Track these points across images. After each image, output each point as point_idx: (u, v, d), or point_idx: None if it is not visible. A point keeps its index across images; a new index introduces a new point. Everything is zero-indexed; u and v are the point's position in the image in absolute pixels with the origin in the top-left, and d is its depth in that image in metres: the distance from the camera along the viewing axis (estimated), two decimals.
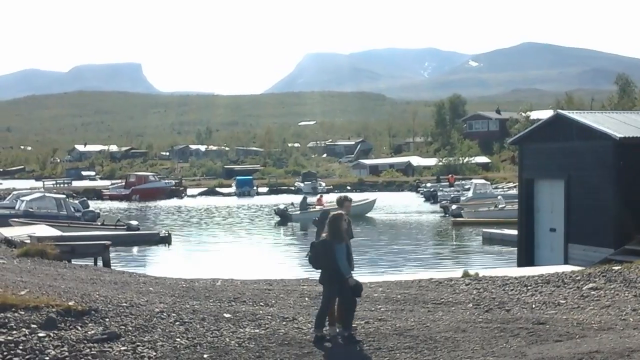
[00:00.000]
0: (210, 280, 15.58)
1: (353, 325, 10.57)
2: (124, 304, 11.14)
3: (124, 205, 74.29)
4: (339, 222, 10.43)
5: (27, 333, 9.36)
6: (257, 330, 10.43)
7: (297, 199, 56.90)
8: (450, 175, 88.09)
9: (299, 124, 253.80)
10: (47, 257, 18.75)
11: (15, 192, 53.46)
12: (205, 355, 9.26)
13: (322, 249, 10.46)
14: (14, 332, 9.35)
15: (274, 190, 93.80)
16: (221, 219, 55.61)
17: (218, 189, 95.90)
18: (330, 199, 62.26)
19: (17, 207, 41.30)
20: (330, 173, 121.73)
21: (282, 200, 68.36)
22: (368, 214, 55.31)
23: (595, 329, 10.83)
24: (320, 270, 10.68)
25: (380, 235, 43.01)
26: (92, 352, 9.04)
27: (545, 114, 71.58)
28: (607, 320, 11.41)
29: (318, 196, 58.70)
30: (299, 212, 51.57)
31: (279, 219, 52.19)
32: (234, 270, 21.49)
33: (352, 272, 10.52)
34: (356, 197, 64.80)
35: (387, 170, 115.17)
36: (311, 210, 52.17)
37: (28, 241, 22.59)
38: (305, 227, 48.02)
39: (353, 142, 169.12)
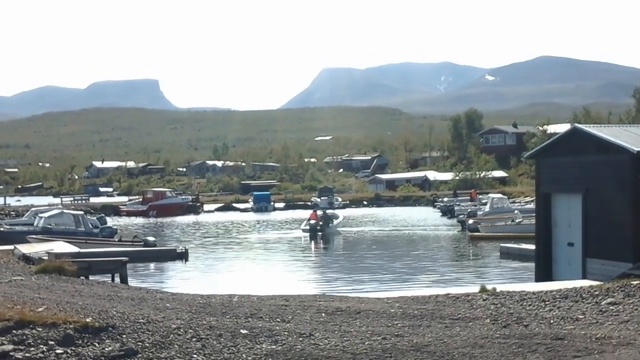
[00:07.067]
0: (227, 296, 15.59)
1: (368, 341, 10.50)
2: (141, 320, 11.16)
3: (141, 221, 74.60)
4: None
5: (45, 350, 9.41)
6: (274, 347, 10.42)
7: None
8: (473, 190, 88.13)
9: (315, 139, 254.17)
10: (65, 274, 18.83)
11: (33, 209, 53.89)
12: None
13: None
14: (32, 348, 9.40)
15: (291, 205, 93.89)
16: (245, 235, 55.44)
17: (235, 205, 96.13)
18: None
19: (35, 224, 41.60)
20: (346, 188, 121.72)
21: (299, 215, 68.55)
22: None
23: (614, 344, 10.75)
24: None
25: (397, 250, 42.91)
26: None
27: (562, 128, 71.40)
28: (626, 336, 11.32)
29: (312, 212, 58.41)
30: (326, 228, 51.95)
31: (310, 233, 51.73)
32: (250, 286, 21.51)
33: None
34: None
35: (403, 185, 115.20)
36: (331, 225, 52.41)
37: (46, 258, 22.66)
38: (328, 243, 48.10)
39: (369, 157, 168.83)
